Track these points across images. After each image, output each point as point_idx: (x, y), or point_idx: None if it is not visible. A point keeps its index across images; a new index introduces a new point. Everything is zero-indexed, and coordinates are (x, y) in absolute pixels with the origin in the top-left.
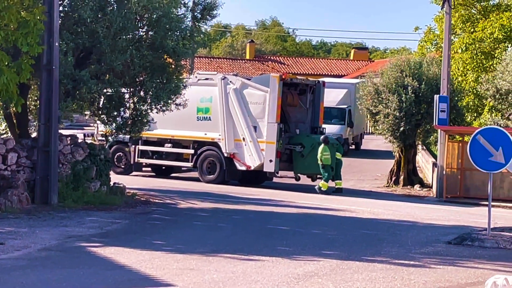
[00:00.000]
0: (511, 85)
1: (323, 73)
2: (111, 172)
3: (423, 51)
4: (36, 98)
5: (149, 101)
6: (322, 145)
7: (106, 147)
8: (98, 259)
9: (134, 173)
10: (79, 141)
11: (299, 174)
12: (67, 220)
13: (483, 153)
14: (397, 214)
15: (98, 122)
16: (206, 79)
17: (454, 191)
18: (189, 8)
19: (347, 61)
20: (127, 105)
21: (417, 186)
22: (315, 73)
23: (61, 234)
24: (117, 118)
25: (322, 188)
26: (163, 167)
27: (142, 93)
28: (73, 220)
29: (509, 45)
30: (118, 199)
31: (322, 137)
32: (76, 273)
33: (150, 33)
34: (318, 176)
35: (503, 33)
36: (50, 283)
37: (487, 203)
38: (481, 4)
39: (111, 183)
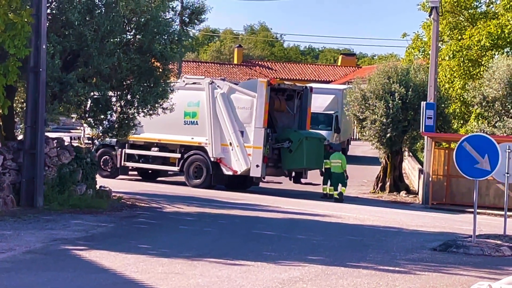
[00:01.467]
0: (497, 92)
1: (311, 79)
2: (97, 176)
3: (411, 57)
4: (22, 100)
5: (136, 105)
6: (335, 153)
7: (93, 150)
8: (83, 262)
9: (120, 176)
10: (66, 144)
11: (291, 171)
12: (53, 223)
13: (469, 160)
14: (383, 220)
15: (85, 125)
16: (194, 83)
17: (440, 197)
18: (177, 12)
19: (335, 67)
20: (114, 108)
21: (403, 193)
22: (303, 78)
23: (46, 237)
24: (104, 122)
25: (329, 193)
26: (150, 171)
27: (129, 96)
28: (59, 223)
29: (496, 53)
30: (104, 203)
31: (336, 144)
32: (61, 276)
33: (137, 36)
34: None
35: (490, 41)
36: (34, 286)
37: (472, 210)
38: (469, 11)
39: (97, 187)
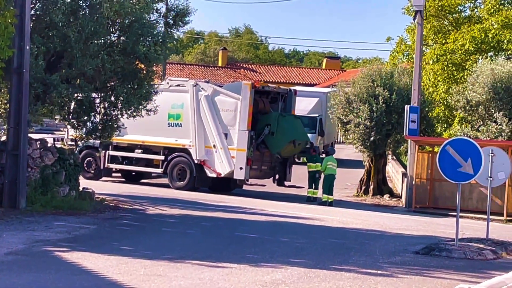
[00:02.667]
0: (481, 97)
1: (295, 82)
2: (81, 177)
3: (395, 61)
4: (6, 101)
5: (119, 107)
6: (328, 156)
7: (76, 151)
8: (65, 263)
9: (103, 178)
10: (49, 145)
11: (283, 152)
12: (35, 225)
13: (452, 164)
14: (366, 223)
15: (68, 126)
16: (178, 85)
17: (423, 201)
18: (162, 14)
19: (319, 70)
20: (98, 110)
21: (386, 196)
22: (287, 81)
23: (28, 239)
24: (88, 123)
25: (326, 200)
26: (133, 173)
27: (113, 98)
28: (41, 225)
29: (480, 57)
30: (87, 204)
31: (329, 148)
32: (43, 277)
33: (122, 38)
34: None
35: (474, 45)
36: (16, 287)
37: (455, 213)
38: (453, 16)
39: (80, 188)
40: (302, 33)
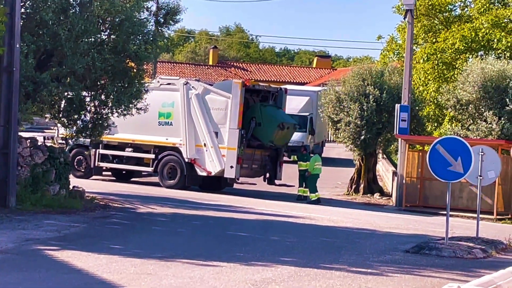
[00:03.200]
0: (471, 95)
1: (286, 80)
2: (71, 176)
3: (385, 60)
4: None
5: (110, 105)
6: (315, 155)
7: (66, 150)
8: (55, 262)
9: (94, 177)
10: (39, 143)
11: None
12: (25, 223)
13: (442, 162)
14: (356, 222)
15: (59, 125)
16: (169, 84)
17: (413, 200)
18: (152, 13)
19: (310, 68)
20: (88, 108)
21: (377, 195)
22: (278, 80)
23: (18, 237)
24: (78, 122)
25: (313, 199)
26: (124, 172)
27: (103, 96)
28: (31, 223)
29: (470, 56)
30: (77, 203)
31: (313, 147)
32: (33, 276)
33: (112, 36)
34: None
35: (464, 44)
36: (6, 286)
37: (445, 212)
38: (443, 15)
39: (71, 187)
40: (293, 31)
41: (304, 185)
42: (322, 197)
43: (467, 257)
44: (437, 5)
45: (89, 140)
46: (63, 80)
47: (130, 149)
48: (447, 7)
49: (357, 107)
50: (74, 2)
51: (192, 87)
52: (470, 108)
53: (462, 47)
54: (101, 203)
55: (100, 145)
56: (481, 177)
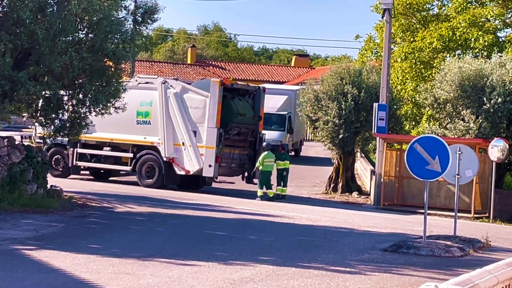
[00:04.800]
0: (449, 94)
1: (264, 79)
2: (49, 175)
3: (364, 59)
4: None
5: (88, 104)
6: (265, 152)
7: (44, 149)
8: (33, 262)
9: (72, 176)
10: (16, 143)
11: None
12: (2, 223)
13: (420, 161)
14: (334, 221)
15: (36, 124)
16: (147, 82)
17: (391, 198)
18: (130, 12)
19: (288, 67)
20: (66, 107)
21: (355, 193)
22: (256, 79)
23: None
24: (55, 121)
25: (261, 195)
26: (102, 171)
27: (81, 95)
28: (8, 223)
29: (448, 55)
30: (55, 202)
31: (264, 144)
32: (10, 276)
33: (90, 35)
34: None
35: (441, 43)
36: None
37: (423, 211)
38: (421, 14)
39: (48, 186)
40: (271, 30)
41: (282, 184)
42: (300, 196)
43: (444, 256)
44: (414, 4)
45: (67, 139)
46: (40, 79)
47: (108, 148)
48: (425, 6)
49: (335, 106)
50: (51, 1)
51: (170, 86)
52: (447, 107)
53: (440, 46)
54: (79, 202)
55: (78, 144)
56: (458, 176)
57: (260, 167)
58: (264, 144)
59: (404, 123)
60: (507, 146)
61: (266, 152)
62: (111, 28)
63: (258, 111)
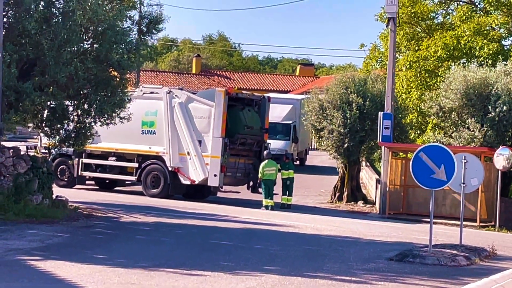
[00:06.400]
0: (454, 103)
1: (269, 89)
2: (54, 185)
3: (368, 68)
4: None
5: (93, 114)
6: (266, 161)
7: (49, 159)
8: (38, 272)
9: (77, 186)
10: (22, 153)
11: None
12: (8, 233)
13: (425, 170)
14: (340, 230)
15: (42, 134)
16: (152, 92)
17: (397, 207)
18: (135, 22)
19: (293, 77)
20: (71, 117)
21: (360, 202)
22: (261, 88)
23: (1, 247)
24: (61, 131)
25: (267, 205)
26: (107, 181)
27: (86, 106)
28: (14, 233)
29: (453, 64)
30: (60, 213)
31: (265, 152)
32: (15, 286)
33: (95, 45)
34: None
35: (446, 52)
36: None
37: (429, 220)
38: (426, 22)
39: (54, 196)
40: (276, 40)
41: (287, 193)
42: (305, 205)
43: (450, 265)
44: (419, 13)
45: (72, 149)
46: (45, 89)
47: (113, 158)
48: (429, 15)
49: (340, 115)
50: (56, 12)
51: (175, 95)
52: (452, 116)
53: (445, 55)
54: (84, 212)
55: (83, 154)
56: (464, 185)
57: (261, 176)
58: (264, 153)
59: (409, 132)
60: None
61: (266, 161)
62: (116, 38)
63: (263, 120)
